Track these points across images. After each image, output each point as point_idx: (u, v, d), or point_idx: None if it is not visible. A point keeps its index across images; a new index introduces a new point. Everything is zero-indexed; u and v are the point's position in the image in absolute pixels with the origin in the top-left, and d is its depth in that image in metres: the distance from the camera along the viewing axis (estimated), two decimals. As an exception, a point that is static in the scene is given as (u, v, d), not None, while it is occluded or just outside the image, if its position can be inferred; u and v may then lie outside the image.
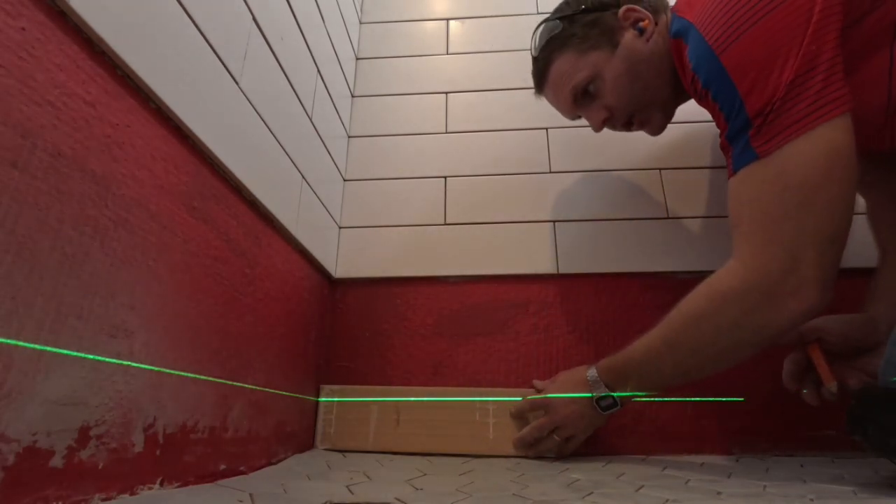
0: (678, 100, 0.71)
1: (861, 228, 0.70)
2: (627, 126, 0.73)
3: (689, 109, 0.94)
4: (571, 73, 0.69)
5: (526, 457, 0.70)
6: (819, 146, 0.49)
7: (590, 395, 0.66)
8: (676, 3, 0.65)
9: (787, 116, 0.49)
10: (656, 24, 0.66)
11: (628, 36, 0.66)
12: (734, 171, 0.55)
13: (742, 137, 0.53)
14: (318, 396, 0.79)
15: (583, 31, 0.68)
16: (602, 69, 0.68)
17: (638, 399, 0.65)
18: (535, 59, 0.75)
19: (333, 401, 0.76)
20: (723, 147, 0.57)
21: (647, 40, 0.66)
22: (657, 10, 0.68)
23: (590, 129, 0.95)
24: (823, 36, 0.48)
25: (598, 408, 0.66)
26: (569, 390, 0.68)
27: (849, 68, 0.49)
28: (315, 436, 0.75)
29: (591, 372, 0.66)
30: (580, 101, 0.72)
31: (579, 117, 0.76)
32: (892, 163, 0.66)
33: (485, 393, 0.74)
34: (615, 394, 0.65)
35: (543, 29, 0.73)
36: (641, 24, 0.66)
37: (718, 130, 0.58)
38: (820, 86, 0.48)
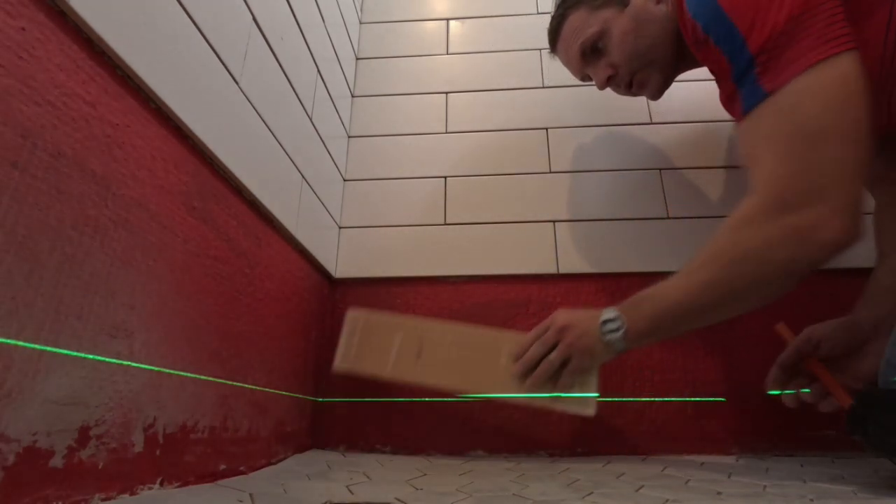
0: (679, 66, 0.73)
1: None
2: (629, 87, 0.75)
3: (690, 109, 0.94)
4: (582, 29, 0.73)
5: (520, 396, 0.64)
6: (830, 76, 0.48)
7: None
8: None
9: (793, 50, 0.49)
10: None
11: None
12: (745, 112, 0.54)
13: (748, 77, 0.53)
14: (324, 396, 0.79)
15: None
16: (611, 26, 0.71)
17: (642, 342, 0.60)
18: (551, 18, 0.78)
19: (358, 324, 0.71)
20: (729, 95, 0.57)
21: (658, 2, 0.68)
22: None
23: (590, 129, 0.96)
24: None
25: (601, 331, 0.60)
26: (579, 311, 0.64)
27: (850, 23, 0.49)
28: (335, 355, 0.69)
29: (610, 307, 0.62)
30: (588, 58, 0.74)
31: (588, 78, 0.78)
32: None
33: (512, 338, 0.67)
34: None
35: None
36: None
37: (719, 79, 0.58)
38: (823, 23, 0.48)
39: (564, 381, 0.62)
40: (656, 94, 0.75)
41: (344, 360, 0.69)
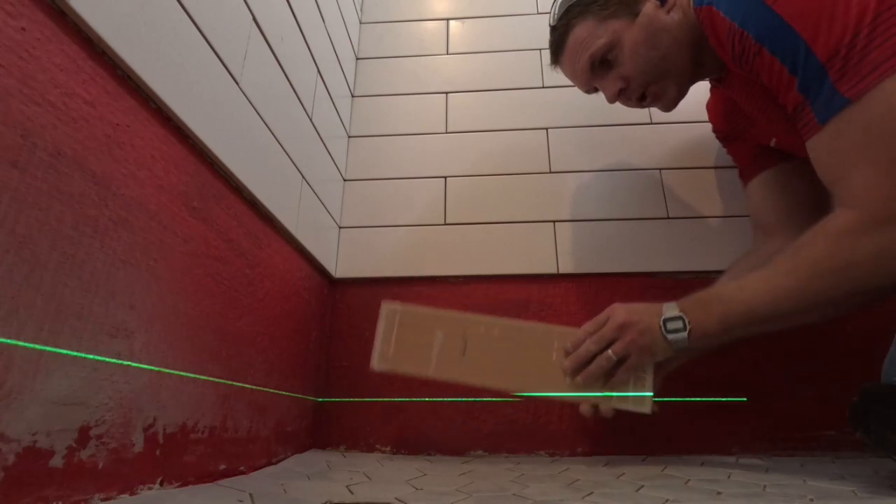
0: (694, 76, 0.70)
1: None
2: (641, 100, 0.71)
3: (690, 110, 0.94)
4: (590, 41, 0.68)
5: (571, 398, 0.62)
6: None
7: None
8: None
9: (876, 54, 0.46)
10: None
11: (649, 5, 0.66)
12: (822, 122, 0.51)
13: (822, 85, 0.50)
14: (324, 396, 0.79)
15: None
16: (621, 37, 0.66)
17: (707, 342, 0.58)
18: (553, 28, 0.73)
19: (395, 319, 0.66)
20: (794, 105, 0.54)
21: (668, 11, 0.65)
22: None
23: (590, 129, 0.96)
24: None
25: (664, 329, 0.58)
26: (637, 305, 0.62)
27: None
28: (372, 356, 0.64)
29: (669, 304, 0.60)
30: (597, 70, 0.70)
31: (595, 90, 0.75)
32: None
33: (564, 333, 0.64)
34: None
35: None
36: None
37: (777, 91, 0.55)
38: None
39: (620, 377, 0.60)
40: (671, 106, 0.72)
41: (382, 359, 0.64)
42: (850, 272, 0.50)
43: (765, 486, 0.50)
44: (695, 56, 0.66)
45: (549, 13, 0.74)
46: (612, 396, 0.61)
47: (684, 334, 0.57)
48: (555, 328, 0.65)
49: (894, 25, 0.46)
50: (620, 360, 0.59)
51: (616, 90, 0.70)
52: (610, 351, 0.59)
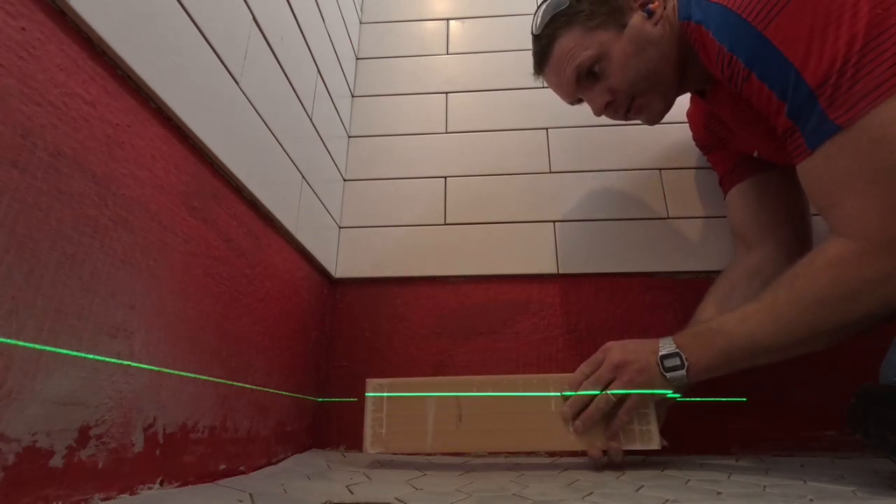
0: (680, 89, 0.70)
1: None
2: (627, 112, 0.70)
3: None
4: (576, 52, 0.66)
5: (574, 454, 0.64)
6: None
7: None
8: None
9: (865, 82, 0.46)
10: (664, 7, 0.65)
11: (637, 17, 0.64)
12: (812, 148, 0.51)
13: (812, 111, 0.49)
14: (325, 396, 0.79)
15: (590, 8, 0.66)
16: (609, 49, 0.65)
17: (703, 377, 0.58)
18: (536, 37, 0.71)
19: (383, 396, 0.64)
20: (783, 130, 0.53)
21: (656, 23, 0.64)
22: None
23: (590, 129, 0.96)
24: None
25: (662, 367, 0.58)
26: (633, 343, 0.62)
27: None
28: (363, 438, 0.63)
29: (664, 338, 0.60)
30: (583, 83, 0.69)
31: (580, 101, 0.73)
32: None
33: (559, 381, 0.63)
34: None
35: (548, 5, 0.69)
36: (651, 5, 0.64)
37: (767, 116, 0.55)
38: (894, 49, 0.45)
39: (622, 418, 0.60)
40: (656, 119, 0.71)
41: (376, 442, 0.62)
42: (850, 301, 0.50)
43: (765, 487, 0.50)
44: (681, 69, 0.65)
45: (533, 18, 0.71)
46: (619, 438, 0.60)
47: (682, 372, 0.58)
48: (550, 377, 0.64)
49: (883, 53, 0.46)
50: (620, 401, 0.60)
51: (603, 103, 0.69)
52: (608, 393, 0.60)
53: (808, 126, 0.50)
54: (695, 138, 0.85)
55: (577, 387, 0.62)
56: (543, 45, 0.70)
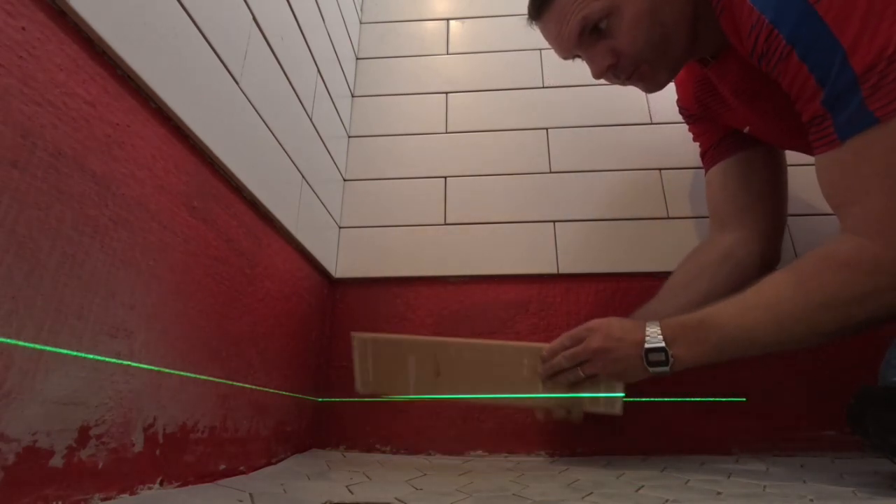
0: (687, 57, 0.64)
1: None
2: (628, 79, 0.64)
3: (689, 109, 0.94)
4: (584, 2, 0.59)
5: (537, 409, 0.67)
6: None
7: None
8: None
9: None
10: None
11: None
12: (843, 139, 0.47)
13: (851, 99, 0.45)
14: (324, 396, 0.79)
15: None
16: (621, 3, 0.58)
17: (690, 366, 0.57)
18: None
19: (367, 348, 0.68)
20: (812, 116, 0.49)
21: None
22: None
23: (590, 129, 0.96)
24: None
25: (645, 360, 0.57)
26: (618, 327, 0.60)
27: None
28: (355, 380, 0.67)
29: (651, 325, 0.58)
30: (586, 39, 0.61)
31: (576, 57, 0.66)
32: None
33: (535, 350, 0.66)
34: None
35: None
36: None
37: (796, 100, 0.50)
38: None
39: (587, 388, 0.61)
40: (656, 89, 0.65)
41: (364, 384, 0.68)
42: (856, 306, 0.48)
43: (765, 487, 0.50)
44: (693, 35, 0.60)
45: None
46: (583, 400, 0.62)
47: (666, 368, 0.57)
48: (524, 345, 0.68)
49: None
50: (590, 377, 0.61)
51: (605, 65, 0.62)
52: (580, 370, 0.61)
53: (843, 115, 0.46)
54: (681, 104, 0.80)
55: (553, 355, 0.62)
56: None
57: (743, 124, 0.69)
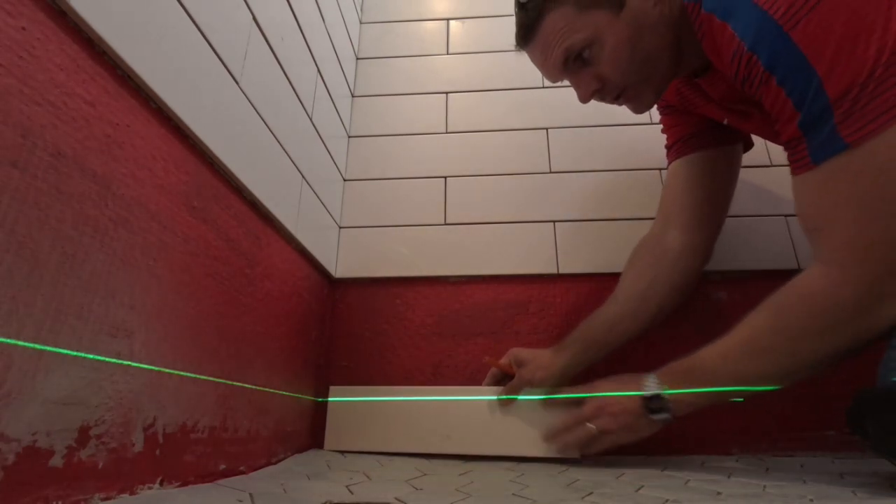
0: (672, 77, 0.65)
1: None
2: (616, 100, 0.65)
3: (689, 109, 0.94)
4: (567, 33, 0.60)
5: (540, 459, 0.69)
6: None
7: (640, 393, 0.61)
8: None
9: (883, 99, 0.43)
10: None
11: None
12: (815, 163, 0.48)
13: (824, 125, 0.46)
14: (319, 397, 0.79)
15: None
16: (603, 33, 0.59)
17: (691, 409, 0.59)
18: (522, 6, 0.64)
19: (343, 401, 0.77)
20: (788, 138, 0.50)
21: (655, 4, 0.58)
22: None
23: (590, 129, 0.96)
24: None
25: (647, 410, 0.60)
26: (616, 387, 0.63)
27: None
28: (324, 436, 0.75)
29: (649, 376, 0.61)
30: (570, 66, 0.63)
31: (563, 79, 0.68)
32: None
33: (493, 392, 0.74)
34: (666, 391, 0.59)
35: None
36: None
37: (776, 121, 0.51)
38: None
39: (580, 432, 0.65)
40: (644, 109, 0.67)
41: (332, 441, 0.75)
42: (829, 334, 0.50)
43: (765, 487, 0.50)
44: (677, 57, 0.61)
45: None
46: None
47: (668, 415, 0.59)
48: (487, 397, 0.74)
49: None
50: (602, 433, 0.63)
51: (591, 91, 0.64)
52: (590, 423, 0.64)
53: (817, 139, 0.47)
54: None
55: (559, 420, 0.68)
56: (531, 18, 0.63)
57: (722, 117, 0.70)
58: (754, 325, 0.55)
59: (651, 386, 0.60)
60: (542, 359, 0.72)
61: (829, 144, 0.46)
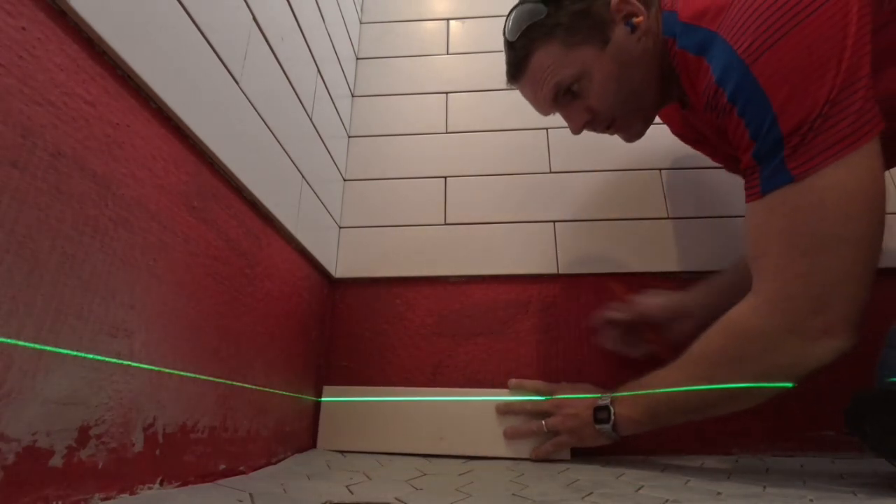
0: (660, 106, 0.68)
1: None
2: (607, 129, 0.68)
3: (689, 109, 0.94)
4: (555, 69, 0.62)
5: (516, 459, 0.70)
6: (858, 173, 0.45)
7: (594, 395, 0.66)
8: (678, 3, 0.58)
9: (827, 136, 0.45)
10: (648, 19, 0.60)
11: (619, 32, 0.60)
12: (763, 193, 0.50)
13: (775, 157, 0.48)
14: (319, 397, 0.79)
15: (570, 21, 0.61)
16: (590, 68, 0.61)
17: (630, 431, 0.62)
18: (510, 45, 0.66)
19: (337, 401, 0.78)
20: (745, 167, 0.52)
21: (639, 39, 0.60)
22: (649, 3, 0.61)
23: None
24: (862, 48, 0.44)
25: (594, 420, 0.63)
26: (575, 390, 0.69)
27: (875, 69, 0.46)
28: (317, 436, 0.76)
29: (608, 393, 0.65)
30: (561, 100, 0.66)
31: (553, 112, 0.70)
32: None
33: (487, 393, 0.75)
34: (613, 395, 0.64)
35: (523, 11, 0.64)
36: (634, 20, 0.59)
37: (736, 149, 0.53)
38: (860, 104, 0.44)
39: (546, 448, 0.68)
40: (635, 138, 0.69)
41: (326, 440, 0.75)
42: (747, 363, 0.51)
43: (765, 487, 0.50)
44: (663, 86, 0.63)
45: (505, 21, 0.66)
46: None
47: (608, 426, 0.62)
48: (480, 398, 0.75)
49: (848, 107, 0.44)
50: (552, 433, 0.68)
51: (582, 123, 0.66)
52: (543, 422, 0.68)
53: (767, 171, 0.49)
54: (675, 133, 0.81)
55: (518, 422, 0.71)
56: (519, 57, 0.65)
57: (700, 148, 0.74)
58: (690, 350, 0.57)
59: (605, 398, 0.63)
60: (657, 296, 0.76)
61: (776, 176, 0.48)
